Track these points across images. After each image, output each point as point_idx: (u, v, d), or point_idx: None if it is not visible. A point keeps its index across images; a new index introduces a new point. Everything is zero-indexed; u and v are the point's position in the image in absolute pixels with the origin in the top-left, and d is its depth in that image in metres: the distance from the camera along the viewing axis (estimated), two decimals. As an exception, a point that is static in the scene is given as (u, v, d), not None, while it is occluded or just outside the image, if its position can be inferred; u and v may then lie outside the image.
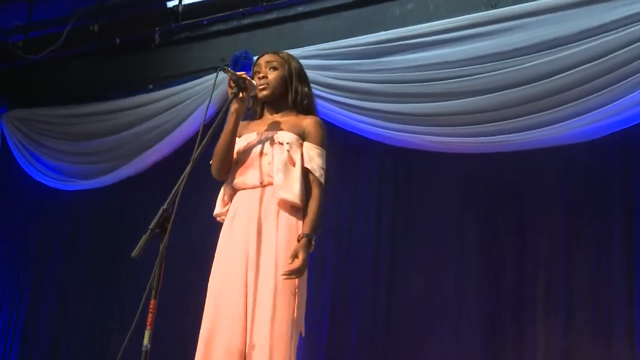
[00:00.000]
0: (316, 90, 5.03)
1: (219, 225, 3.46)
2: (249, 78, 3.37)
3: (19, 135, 6.74)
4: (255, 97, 3.50)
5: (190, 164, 3.00)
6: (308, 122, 3.46)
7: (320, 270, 5.14)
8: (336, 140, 5.18)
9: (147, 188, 5.84)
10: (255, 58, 3.70)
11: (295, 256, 3.18)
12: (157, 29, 5.93)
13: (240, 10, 5.64)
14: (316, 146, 3.42)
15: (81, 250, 6.50)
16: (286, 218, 3.31)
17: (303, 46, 5.26)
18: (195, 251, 5.00)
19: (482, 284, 4.71)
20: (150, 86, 6.05)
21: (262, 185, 3.36)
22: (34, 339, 6.48)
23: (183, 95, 5.78)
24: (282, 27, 5.56)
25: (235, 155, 3.44)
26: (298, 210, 3.35)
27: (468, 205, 4.89)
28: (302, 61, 5.02)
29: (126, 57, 6.22)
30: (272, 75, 3.49)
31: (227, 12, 5.71)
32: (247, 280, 3.24)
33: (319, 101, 5.01)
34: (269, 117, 3.53)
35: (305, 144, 3.41)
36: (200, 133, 3.08)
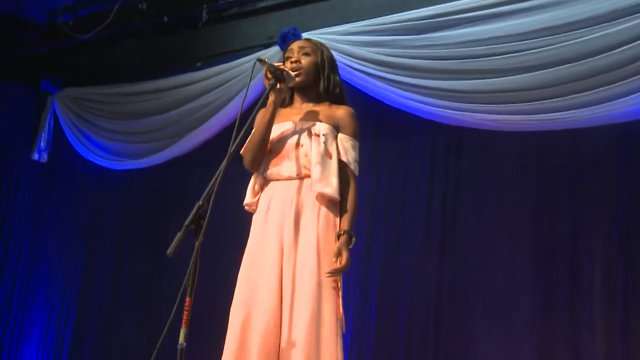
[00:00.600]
0: (365, 67, 5.02)
1: (249, 215, 3.39)
2: (286, 69, 3.31)
3: (71, 115, 6.80)
4: None
5: (226, 158, 2.93)
6: (342, 113, 3.39)
7: (367, 260, 5.10)
8: (385, 119, 5.17)
9: (196, 167, 5.82)
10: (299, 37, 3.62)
11: (339, 254, 3.13)
12: (204, 6, 5.87)
13: (288, -16, 5.54)
14: (351, 138, 3.36)
15: (132, 227, 6.53)
16: (325, 212, 3.25)
17: (353, 22, 5.17)
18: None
19: (536, 275, 4.58)
20: (199, 64, 6.01)
21: (299, 177, 3.29)
22: (88, 312, 6.56)
23: (230, 73, 5.72)
24: (332, 2, 5.46)
25: (269, 145, 3.36)
26: (335, 205, 3.29)
27: (521, 184, 4.76)
28: (350, 37, 5.11)
29: (174, 35, 6.19)
30: (305, 61, 3.41)
31: (275, -13, 5.62)
32: (282, 274, 3.17)
33: (367, 78, 5.00)
34: (302, 106, 3.46)
35: (340, 135, 3.35)
36: (236, 126, 3.01)
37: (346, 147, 3.33)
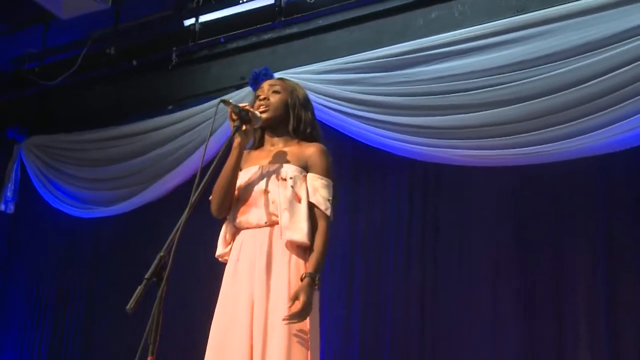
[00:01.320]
0: (340, 105, 4.96)
1: (223, 265, 3.28)
2: (252, 110, 3.22)
3: (38, 163, 6.68)
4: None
5: (187, 209, 2.80)
6: (311, 151, 3.28)
7: (349, 292, 4.99)
8: (362, 158, 5.13)
9: (169, 211, 5.69)
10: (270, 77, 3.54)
11: (295, 298, 2.99)
12: (174, 49, 5.82)
13: (259, 26, 5.50)
14: (320, 177, 3.24)
15: (102, 276, 6.37)
16: (295, 260, 3.13)
17: (326, 60, 5.13)
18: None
19: (519, 301, 4.50)
20: (170, 107, 5.93)
21: (268, 225, 3.17)
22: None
23: (202, 116, 5.63)
24: (304, 41, 5.42)
25: (236, 192, 3.26)
26: (305, 250, 3.17)
27: (502, 219, 4.70)
28: (324, 76, 5.06)
29: (144, 79, 6.12)
30: (274, 99, 3.34)
31: (246, 29, 5.57)
32: (252, 328, 3.05)
33: (342, 117, 4.94)
34: (270, 147, 3.36)
35: (309, 175, 3.24)
36: (198, 174, 2.89)
37: (315, 186, 3.21)
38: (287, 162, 3.23)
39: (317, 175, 3.23)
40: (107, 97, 6.38)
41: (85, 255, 6.50)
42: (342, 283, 4.89)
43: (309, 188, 3.20)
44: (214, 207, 3.25)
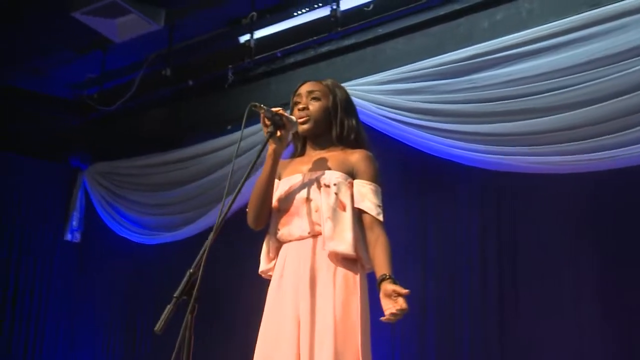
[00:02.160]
0: (403, 116, 4.77)
1: (267, 282, 3.10)
2: (286, 114, 3.01)
3: (102, 191, 6.70)
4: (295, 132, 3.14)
5: (213, 232, 2.62)
6: (357, 158, 3.08)
7: (422, 313, 4.77)
8: (429, 170, 4.93)
9: (236, 233, 5.56)
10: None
11: (397, 294, 2.73)
12: (230, 66, 5.69)
13: (315, 38, 5.33)
14: (368, 182, 3.03)
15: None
16: (342, 273, 2.93)
17: (387, 69, 4.93)
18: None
19: (606, 317, 4.21)
20: (229, 127, 5.79)
21: (312, 236, 2.98)
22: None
23: (262, 134, 5.46)
24: (363, 52, 5.22)
25: (276, 203, 3.07)
26: (354, 263, 2.98)
27: (582, 229, 4.42)
28: (386, 86, 4.85)
29: (201, 99, 6.03)
30: (313, 107, 3.13)
31: (302, 42, 5.42)
32: (299, 347, 2.85)
33: (406, 128, 4.74)
34: (312, 154, 3.16)
35: (356, 181, 3.04)
36: (227, 184, 2.73)
37: (363, 192, 3.00)
38: (329, 168, 3.04)
39: (364, 181, 3.03)
40: (166, 119, 6.34)
41: (152, 281, 6.40)
42: (414, 305, 4.69)
43: (356, 195, 3.00)
44: (250, 219, 3.09)
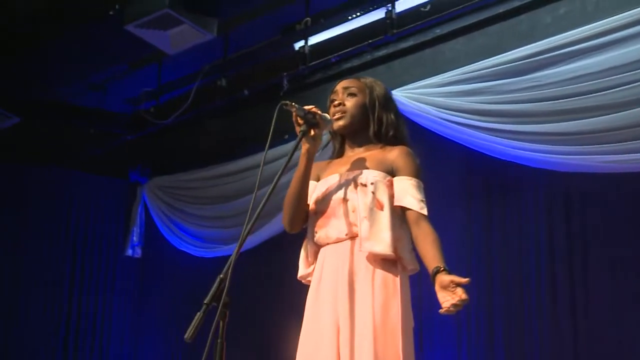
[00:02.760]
0: (465, 118, 4.64)
1: (307, 287, 3.00)
2: (319, 112, 2.90)
3: (162, 205, 6.70)
4: (332, 130, 3.05)
5: (240, 241, 2.57)
6: (396, 154, 2.95)
7: (489, 323, 4.62)
8: (494, 174, 4.78)
9: (295, 243, 5.48)
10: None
11: (455, 284, 2.60)
12: (284, 74, 5.60)
13: (370, 41, 5.19)
14: (409, 177, 2.90)
15: (231, 317, 6.20)
16: (381, 275, 2.82)
17: (446, 71, 4.79)
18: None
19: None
20: (286, 136, 5.68)
21: (350, 237, 2.86)
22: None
23: (322, 140, 5.39)
24: (421, 53, 5.07)
25: (313, 205, 2.97)
26: (393, 264, 2.86)
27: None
28: (445, 88, 4.70)
29: (257, 108, 5.91)
30: (350, 103, 3.02)
31: (358, 46, 5.27)
32: (339, 352, 2.75)
33: (468, 131, 4.60)
34: (350, 154, 3.06)
35: (396, 178, 2.91)
36: (257, 185, 2.74)
37: (404, 187, 2.88)
38: (367, 167, 2.94)
39: (405, 177, 2.91)
40: (222, 130, 6.27)
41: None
42: (481, 314, 4.53)
43: (397, 191, 2.89)
44: (285, 221, 3.02)
